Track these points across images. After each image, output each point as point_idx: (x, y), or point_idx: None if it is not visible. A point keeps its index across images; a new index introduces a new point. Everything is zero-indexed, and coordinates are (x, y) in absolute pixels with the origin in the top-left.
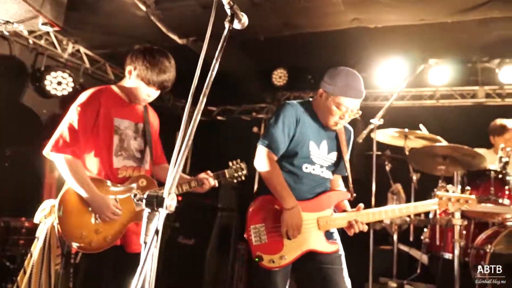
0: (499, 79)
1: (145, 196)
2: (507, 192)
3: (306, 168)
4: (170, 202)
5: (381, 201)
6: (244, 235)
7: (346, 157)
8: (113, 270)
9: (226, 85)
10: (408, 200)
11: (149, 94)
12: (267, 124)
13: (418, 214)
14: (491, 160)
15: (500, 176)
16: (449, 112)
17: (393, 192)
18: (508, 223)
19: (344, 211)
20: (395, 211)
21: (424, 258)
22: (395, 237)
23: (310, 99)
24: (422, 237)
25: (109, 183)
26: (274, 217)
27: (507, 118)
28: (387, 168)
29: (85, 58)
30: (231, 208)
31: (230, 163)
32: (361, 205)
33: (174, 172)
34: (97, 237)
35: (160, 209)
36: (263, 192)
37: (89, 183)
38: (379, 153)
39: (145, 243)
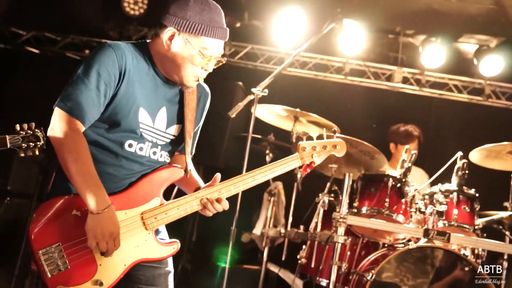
0: (421, 61)
1: None
2: (403, 206)
3: (130, 146)
4: None
5: (254, 203)
6: (32, 266)
7: (195, 129)
8: None
9: (49, 1)
10: (288, 205)
11: None
12: (73, 75)
13: (296, 225)
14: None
15: (398, 185)
16: (357, 93)
17: (270, 192)
18: (400, 245)
19: (198, 189)
20: (248, 180)
21: (298, 284)
22: (264, 254)
23: (148, 41)
24: (298, 256)
25: None
26: (75, 227)
27: (422, 111)
28: (267, 158)
29: None
30: (28, 194)
31: (18, 127)
32: (218, 175)
33: None
34: None
35: None
36: (56, 192)
37: None
38: (258, 136)
39: None
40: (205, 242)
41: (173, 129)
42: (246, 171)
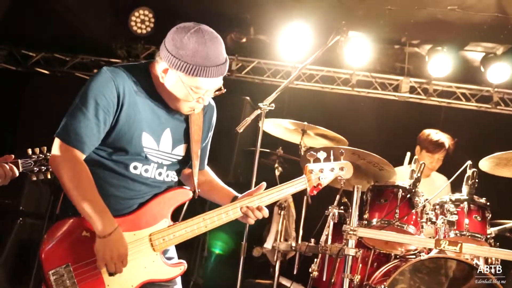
0: (427, 71)
1: None
2: (414, 217)
3: (135, 168)
4: None
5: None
6: (42, 286)
7: (203, 145)
8: None
9: (58, 22)
10: (298, 219)
11: None
12: (72, 104)
13: (307, 239)
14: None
15: (408, 195)
16: (365, 104)
17: (280, 206)
18: (412, 257)
19: (235, 198)
20: (255, 200)
21: None
22: (276, 268)
23: (151, 60)
24: (310, 270)
25: None
26: (84, 248)
27: (430, 121)
28: (276, 172)
29: None
30: (40, 214)
31: (30, 151)
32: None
33: None
34: None
35: None
36: (65, 212)
37: None
38: (267, 150)
39: None
40: (217, 257)
41: (180, 149)
42: (255, 185)
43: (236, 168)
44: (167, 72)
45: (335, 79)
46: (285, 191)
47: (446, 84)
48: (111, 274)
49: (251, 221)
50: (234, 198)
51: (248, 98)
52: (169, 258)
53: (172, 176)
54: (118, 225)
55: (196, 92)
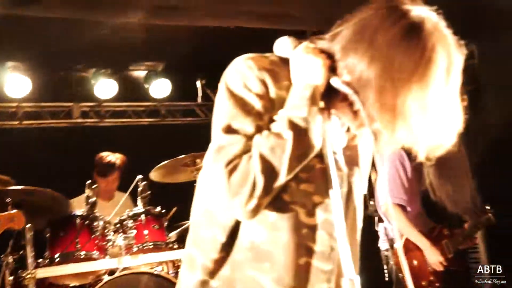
0: (96, 94)
1: None
2: (97, 242)
3: None
4: None
5: None
6: None
7: None
8: None
9: None
10: None
11: None
12: None
13: None
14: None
15: (87, 222)
16: (37, 136)
17: None
18: (105, 278)
19: None
20: None
21: None
22: None
23: None
24: None
25: None
26: None
27: (107, 143)
28: None
29: None
30: None
31: None
32: None
33: None
34: None
35: None
36: None
37: None
38: None
39: None
40: None
41: None
42: None
43: None
44: None
45: (2, 113)
46: None
47: (116, 104)
48: None
49: None
50: None
51: None
52: None
53: None
54: None
55: None
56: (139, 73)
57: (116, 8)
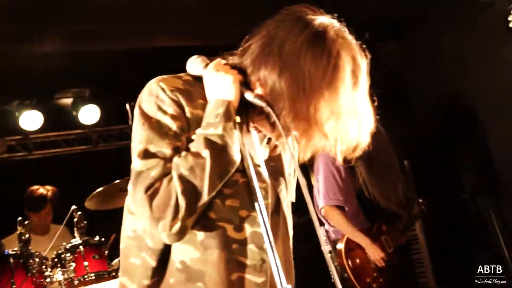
0: (21, 126)
1: None
2: (34, 279)
3: None
4: None
5: None
6: None
7: None
8: None
9: None
10: None
11: None
12: None
13: None
14: None
15: (21, 261)
16: None
17: None
18: None
19: None
20: None
21: None
22: None
23: None
24: None
25: None
26: None
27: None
28: None
29: None
30: None
31: None
32: None
33: None
34: None
35: None
36: None
37: None
38: None
39: None
40: None
41: None
42: None
43: None
44: None
45: None
46: None
47: (45, 135)
48: None
49: None
50: None
51: None
52: None
53: None
54: None
55: None
56: (66, 100)
57: (35, 37)
